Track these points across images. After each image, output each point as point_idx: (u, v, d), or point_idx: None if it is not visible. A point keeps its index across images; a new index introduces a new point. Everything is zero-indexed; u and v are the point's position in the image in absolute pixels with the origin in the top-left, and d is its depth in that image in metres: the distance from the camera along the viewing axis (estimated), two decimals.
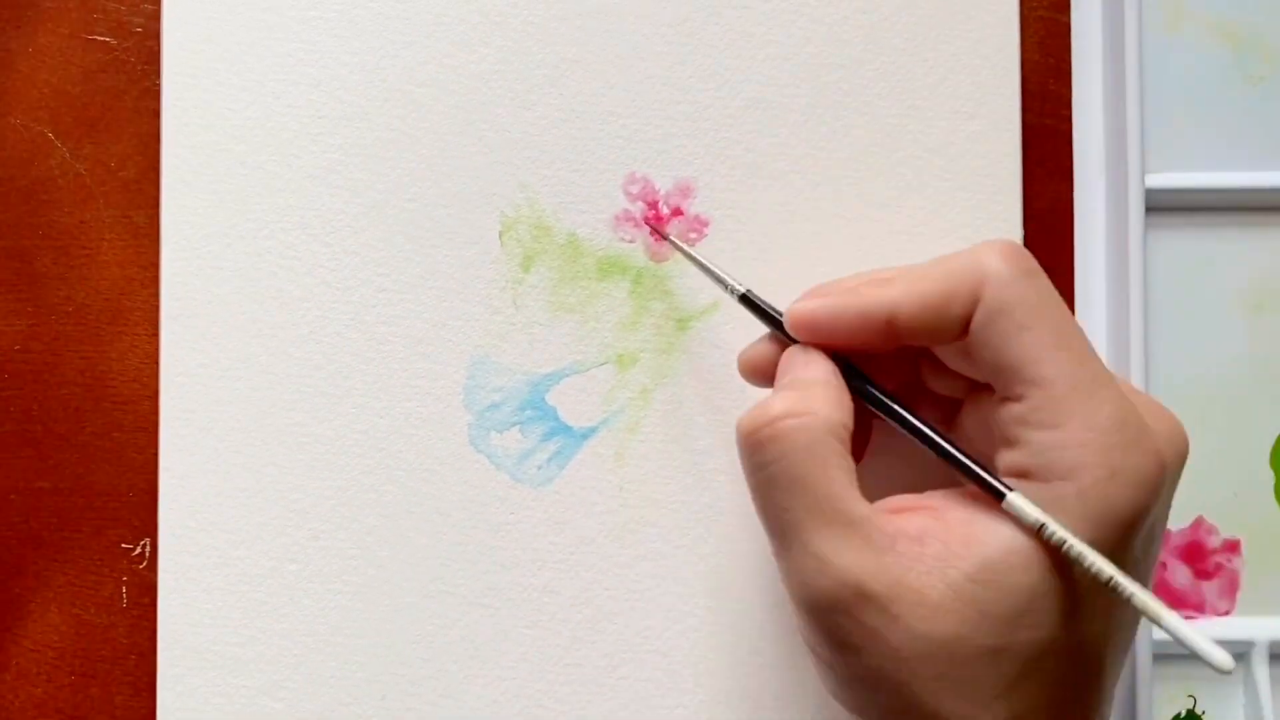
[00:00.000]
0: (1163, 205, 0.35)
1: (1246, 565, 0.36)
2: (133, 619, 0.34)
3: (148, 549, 0.34)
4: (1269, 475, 0.36)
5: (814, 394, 0.27)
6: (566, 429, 0.34)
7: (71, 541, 0.34)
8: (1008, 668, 0.25)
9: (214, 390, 0.34)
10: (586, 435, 0.34)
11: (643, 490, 0.34)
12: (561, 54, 0.34)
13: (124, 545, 0.34)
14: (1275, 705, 0.34)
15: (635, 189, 0.34)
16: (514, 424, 0.34)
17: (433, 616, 0.33)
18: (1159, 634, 0.33)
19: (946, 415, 0.30)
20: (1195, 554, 0.36)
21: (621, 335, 0.34)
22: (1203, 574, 0.36)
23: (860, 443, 0.31)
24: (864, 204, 0.34)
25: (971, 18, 0.34)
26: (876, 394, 0.28)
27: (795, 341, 0.29)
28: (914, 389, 0.30)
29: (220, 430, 0.34)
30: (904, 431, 0.27)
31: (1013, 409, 0.26)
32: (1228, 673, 0.23)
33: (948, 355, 0.28)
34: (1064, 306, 0.26)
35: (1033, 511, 0.25)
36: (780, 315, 0.29)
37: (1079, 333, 0.26)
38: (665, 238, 0.33)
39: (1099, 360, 0.26)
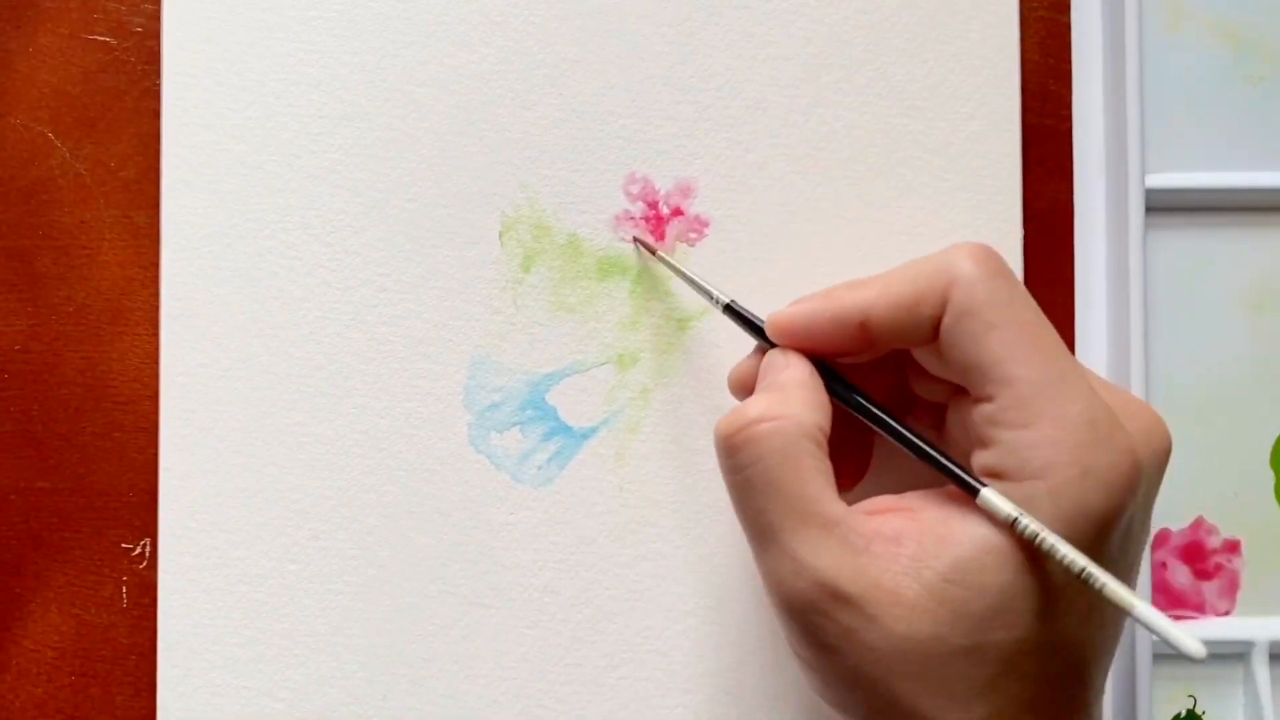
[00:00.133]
0: (1163, 205, 0.35)
1: (1246, 565, 0.36)
2: (133, 619, 0.34)
3: (148, 549, 0.34)
4: (1269, 475, 0.36)
5: (790, 396, 0.27)
6: (567, 429, 0.34)
7: (71, 541, 0.34)
8: (985, 666, 0.25)
9: (214, 390, 0.34)
10: (587, 435, 0.34)
11: (643, 490, 0.34)
12: (562, 54, 0.34)
13: (124, 545, 0.34)
14: (1275, 705, 0.34)
15: (635, 189, 0.34)
16: (514, 424, 0.34)
17: (433, 616, 0.33)
18: None
19: (936, 422, 0.30)
20: (1195, 554, 0.36)
21: (622, 335, 0.34)
22: (1203, 574, 0.36)
23: (862, 459, 0.32)
24: (864, 204, 0.34)
25: (971, 18, 0.34)
26: (854, 397, 0.28)
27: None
28: (904, 397, 0.30)
29: (220, 430, 0.34)
30: (881, 432, 0.28)
31: (984, 409, 0.26)
32: (1200, 660, 0.23)
33: (925, 359, 0.28)
34: (1034, 306, 0.26)
35: (1005, 506, 0.25)
36: (763, 324, 0.29)
37: (1049, 332, 0.26)
38: (653, 252, 0.33)
39: (1070, 359, 0.26)
